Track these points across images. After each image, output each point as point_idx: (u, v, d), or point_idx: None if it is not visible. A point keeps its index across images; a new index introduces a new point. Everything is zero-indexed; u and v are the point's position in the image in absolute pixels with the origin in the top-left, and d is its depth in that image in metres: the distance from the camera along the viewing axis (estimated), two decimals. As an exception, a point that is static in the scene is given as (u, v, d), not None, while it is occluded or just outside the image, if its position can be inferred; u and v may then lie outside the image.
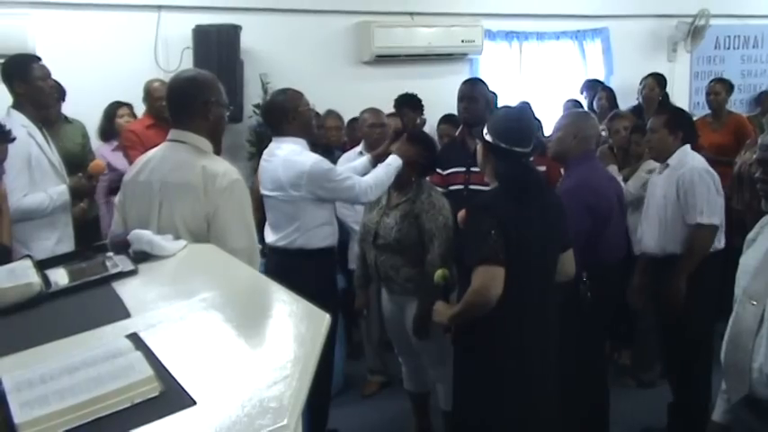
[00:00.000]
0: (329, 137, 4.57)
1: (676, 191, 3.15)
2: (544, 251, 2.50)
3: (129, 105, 4.53)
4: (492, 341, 2.45)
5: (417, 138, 3.33)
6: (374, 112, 4.03)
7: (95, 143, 4.44)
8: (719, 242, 3.19)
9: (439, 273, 2.79)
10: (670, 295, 3.14)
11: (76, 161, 3.59)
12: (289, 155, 3.04)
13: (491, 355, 2.47)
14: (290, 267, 2.89)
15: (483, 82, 3.92)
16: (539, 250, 2.47)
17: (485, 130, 2.55)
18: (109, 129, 4.42)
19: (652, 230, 3.29)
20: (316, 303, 1.35)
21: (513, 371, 2.45)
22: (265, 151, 3.22)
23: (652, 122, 3.37)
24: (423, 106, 5.09)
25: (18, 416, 0.96)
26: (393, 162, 3.14)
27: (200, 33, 4.83)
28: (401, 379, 3.65)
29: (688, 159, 3.21)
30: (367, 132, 3.98)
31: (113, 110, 4.50)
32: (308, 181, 2.98)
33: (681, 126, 3.28)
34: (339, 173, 3.09)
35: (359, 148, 4.03)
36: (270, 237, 3.16)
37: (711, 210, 3.11)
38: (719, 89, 5.28)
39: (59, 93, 3.98)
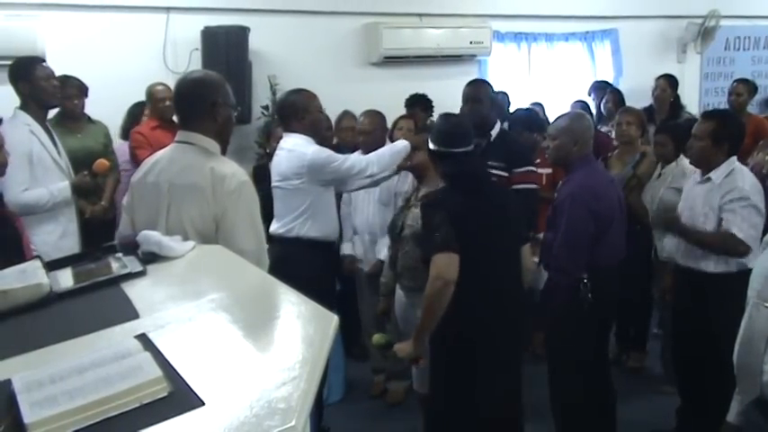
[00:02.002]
0: (344, 137, 4.49)
1: (718, 211, 2.97)
2: (498, 239, 2.70)
3: None
4: (456, 328, 2.62)
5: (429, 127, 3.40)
6: (367, 114, 4.02)
7: (116, 142, 4.40)
8: (750, 263, 3.08)
9: (377, 337, 3.06)
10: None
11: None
12: (292, 147, 3.21)
13: (457, 340, 2.65)
14: (284, 256, 2.90)
15: (488, 83, 3.92)
16: (492, 239, 2.68)
17: (429, 141, 2.82)
18: (132, 128, 4.37)
19: (684, 243, 3.15)
20: (308, 295, 1.36)
21: (480, 354, 2.65)
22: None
23: (697, 128, 3.13)
24: (433, 107, 5.08)
25: (28, 416, 0.96)
26: (399, 143, 3.30)
27: (209, 35, 4.85)
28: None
29: (736, 179, 2.98)
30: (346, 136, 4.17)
31: (139, 109, 4.50)
32: (309, 169, 3.14)
33: (727, 137, 3.03)
34: (337, 157, 3.24)
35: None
36: (273, 226, 3.24)
37: (746, 231, 2.91)
38: (742, 90, 5.21)
39: (81, 90, 4.03)
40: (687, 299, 3.19)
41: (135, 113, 4.50)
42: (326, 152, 3.24)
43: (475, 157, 2.83)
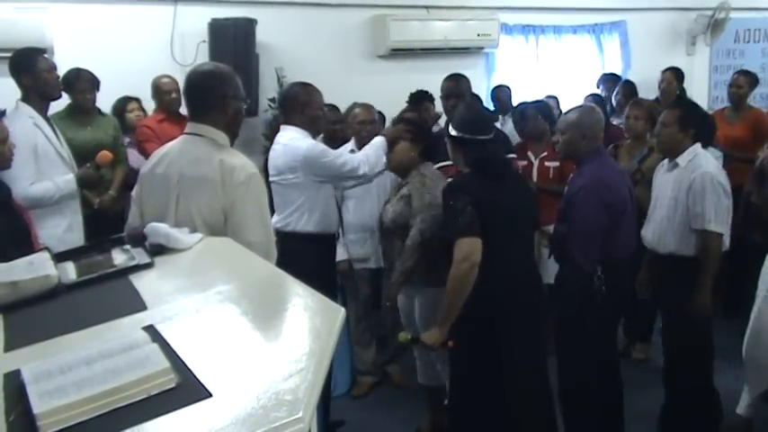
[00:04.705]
0: (357, 130, 4.18)
1: (687, 194, 3.07)
2: (517, 224, 2.82)
3: (137, 100, 4.55)
4: (478, 311, 2.70)
5: (402, 119, 3.43)
6: (365, 107, 3.87)
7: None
8: (723, 246, 3.11)
9: (402, 335, 3.06)
10: (697, 308, 3.03)
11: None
12: (288, 141, 3.19)
13: (479, 323, 2.72)
14: (284, 250, 2.89)
15: (466, 78, 3.97)
16: (512, 223, 2.78)
17: (450, 128, 2.91)
18: (119, 124, 4.33)
19: (657, 229, 3.22)
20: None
21: (503, 336, 2.73)
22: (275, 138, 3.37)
23: (664, 116, 3.27)
24: (433, 98, 4.98)
25: (37, 406, 0.97)
26: (376, 140, 3.30)
27: (216, 27, 4.85)
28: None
29: (701, 162, 3.10)
30: (356, 129, 3.82)
31: (123, 105, 4.51)
32: (303, 164, 3.13)
33: (693, 124, 3.16)
34: (332, 153, 3.25)
35: (350, 144, 3.83)
36: (273, 219, 3.17)
37: (720, 218, 3.04)
38: (743, 82, 5.15)
39: (93, 83, 4.04)
40: (672, 287, 3.18)
41: (119, 109, 4.49)
42: (321, 147, 3.24)
43: (496, 144, 2.93)
